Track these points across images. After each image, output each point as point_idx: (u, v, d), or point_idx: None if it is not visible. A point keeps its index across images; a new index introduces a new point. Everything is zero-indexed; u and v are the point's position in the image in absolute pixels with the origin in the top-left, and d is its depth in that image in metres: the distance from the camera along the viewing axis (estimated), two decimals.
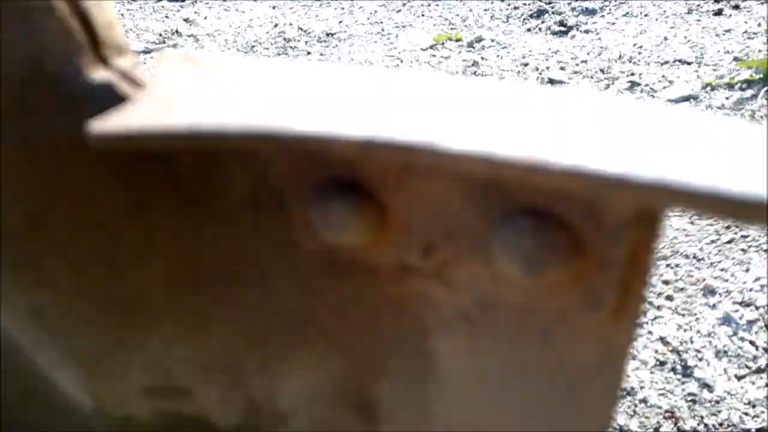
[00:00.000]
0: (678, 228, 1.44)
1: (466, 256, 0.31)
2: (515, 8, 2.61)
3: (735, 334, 1.19)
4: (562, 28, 2.41)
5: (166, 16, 2.79)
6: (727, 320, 1.21)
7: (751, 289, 1.27)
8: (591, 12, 2.48)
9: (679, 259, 1.36)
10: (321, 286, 0.37)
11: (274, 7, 2.83)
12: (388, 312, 0.37)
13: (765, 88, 1.81)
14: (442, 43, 2.39)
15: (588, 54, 2.21)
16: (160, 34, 2.60)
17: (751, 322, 1.20)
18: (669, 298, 1.28)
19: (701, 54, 2.12)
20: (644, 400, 1.09)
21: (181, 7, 2.89)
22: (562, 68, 2.16)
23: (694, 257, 1.37)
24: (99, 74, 0.30)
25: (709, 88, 1.92)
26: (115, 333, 0.40)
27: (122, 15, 2.78)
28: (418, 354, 0.38)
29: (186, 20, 2.74)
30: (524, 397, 0.35)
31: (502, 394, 0.36)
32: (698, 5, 2.44)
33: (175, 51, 0.33)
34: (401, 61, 2.29)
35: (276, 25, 2.66)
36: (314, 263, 0.36)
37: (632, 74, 2.06)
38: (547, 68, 2.16)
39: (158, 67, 0.32)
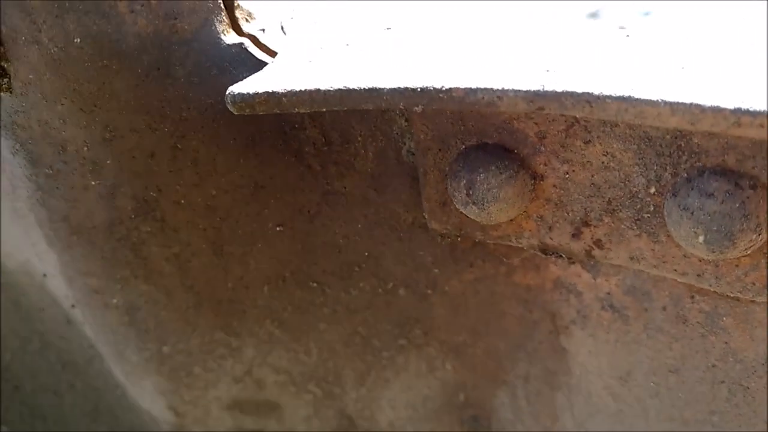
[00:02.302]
0: None
1: (626, 232, 0.28)
2: None
3: None
4: None
5: None
6: None
7: None
8: None
9: None
10: (440, 276, 0.34)
11: None
12: (516, 306, 0.34)
13: None
14: None
15: None
16: None
17: None
18: None
19: None
20: None
21: None
22: None
23: None
24: (232, 38, 0.29)
25: None
26: (209, 336, 0.38)
27: None
28: (549, 355, 0.35)
29: None
30: (676, 400, 0.32)
31: (647, 396, 0.33)
32: None
33: (303, 13, 0.31)
34: None
35: None
36: (437, 249, 0.34)
37: None
38: None
39: (287, 29, 0.30)
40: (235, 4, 0.29)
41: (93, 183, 0.30)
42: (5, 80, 0.27)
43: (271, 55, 0.29)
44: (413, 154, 0.31)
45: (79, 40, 0.25)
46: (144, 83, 0.27)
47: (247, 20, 0.30)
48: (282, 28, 0.31)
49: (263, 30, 0.30)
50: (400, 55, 0.27)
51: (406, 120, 0.30)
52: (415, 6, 0.34)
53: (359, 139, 0.31)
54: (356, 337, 0.38)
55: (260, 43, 0.30)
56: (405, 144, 0.31)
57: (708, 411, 0.31)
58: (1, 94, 0.27)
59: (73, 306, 0.39)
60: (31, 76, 0.26)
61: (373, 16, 0.32)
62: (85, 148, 0.29)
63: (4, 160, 0.32)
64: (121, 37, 0.26)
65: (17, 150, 0.30)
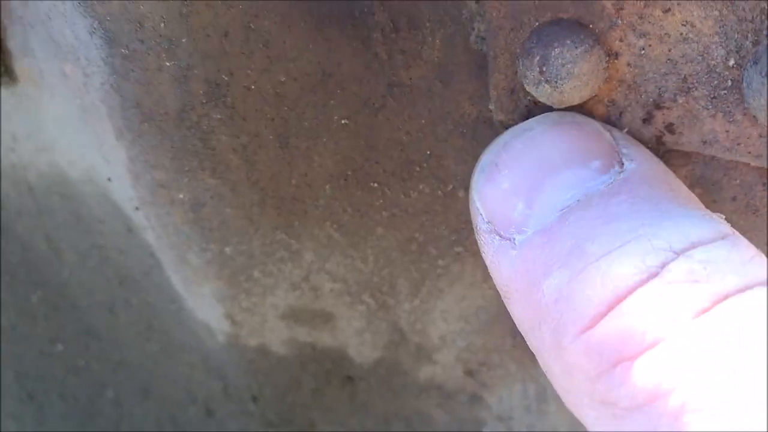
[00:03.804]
0: None
1: (700, 113, 0.28)
2: None
3: None
4: None
5: None
6: None
7: None
8: None
9: None
10: None
11: None
12: None
13: None
14: None
15: None
16: None
17: None
18: None
19: None
20: None
21: None
22: None
23: None
24: None
25: None
26: (270, 236, 0.38)
27: None
28: None
29: None
30: None
31: None
32: None
33: None
34: None
35: None
36: None
37: None
38: None
39: None
40: None
41: (167, 64, 0.31)
42: None
43: None
44: (483, 38, 0.31)
45: None
46: None
47: None
48: None
49: None
50: None
51: (477, 1, 0.30)
52: None
53: (427, 24, 0.31)
54: (413, 244, 0.39)
55: None
56: (474, 29, 0.31)
57: None
58: None
59: (137, 208, 0.40)
60: None
61: None
62: (162, 24, 0.29)
63: (80, 45, 0.32)
64: None
65: (95, 29, 0.30)
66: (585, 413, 0.23)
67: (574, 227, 0.25)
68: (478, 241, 0.28)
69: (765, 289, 0.22)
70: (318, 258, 0.39)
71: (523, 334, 0.27)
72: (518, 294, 0.26)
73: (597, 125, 0.28)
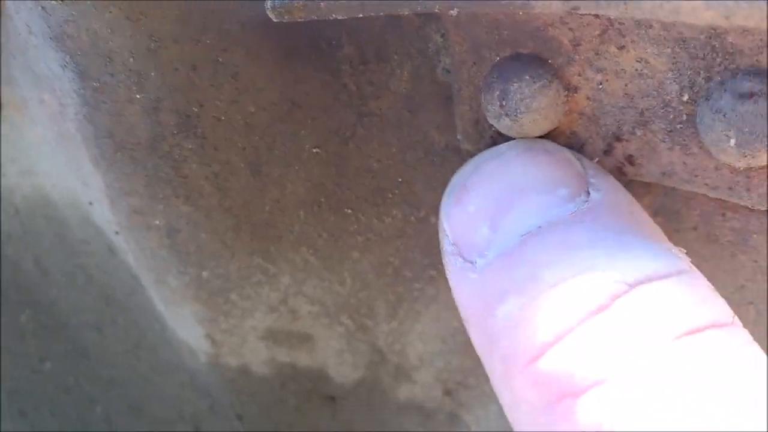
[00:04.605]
0: None
1: (658, 146, 0.28)
2: None
3: None
4: None
5: None
6: None
7: None
8: None
9: None
10: None
11: None
12: None
13: None
14: None
15: None
16: None
17: None
18: None
19: None
20: None
21: None
22: None
23: None
24: None
25: None
26: (246, 261, 0.39)
27: None
28: None
29: None
30: None
31: None
32: None
33: None
34: None
35: None
36: None
37: None
38: None
39: None
40: None
41: (138, 96, 0.31)
42: None
43: None
44: (448, 71, 0.31)
45: None
46: None
47: None
48: None
49: None
50: None
51: (442, 35, 0.30)
52: None
53: (395, 57, 0.31)
54: (388, 267, 0.39)
55: None
56: (440, 62, 0.31)
57: None
58: (54, 2, 0.28)
59: (116, 233, 0.41)
60: None
61: None
62: (131, 59, 0.30)
63: (54, 77, 0.33)
64: None
65: (66, 62, 0.31)
66: None
67: (532, 253, 0.24)
68: (444, 263, 0.29)
69: (716, 331, 0.22)
70: (295, 281, 0.40)
71: (480, 359, 0.27)
72: (474, 318, 0.25)
73: (568, 153, 0.29)
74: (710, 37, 0.25)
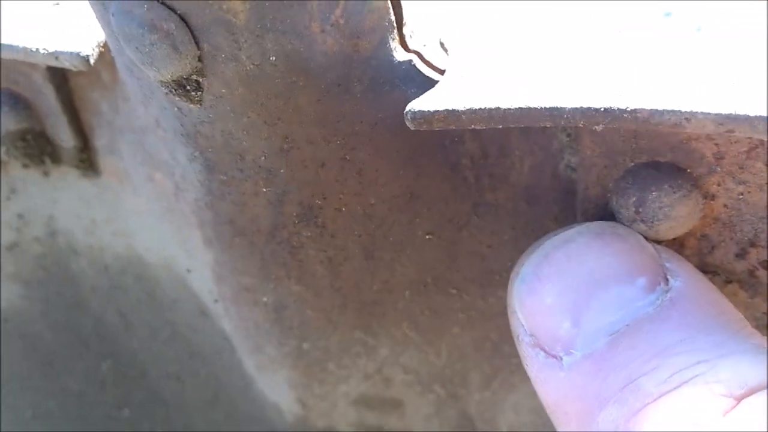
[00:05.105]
0: None
1: None
2: None
3: None
4: None
5: None
6: None
7: None
8: None
9: None
10: None
11: None
12: None
13: None
14: None
15: None
16: None
17: None
18: None
19: None
20: None
21: None
22: None
23: None
24: (402, 54, 0.30)
25: None
26: (348, 335, 0.39)
27: None
28: None
29: None
30: None
31: None
32: None
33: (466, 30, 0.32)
34: None
35: None
36: None
37: None
38: None
39: (446, 45, 0.31)
40: (404, 22, 0.30)
41: (264, 190, 0.32)
42: (198, 93, 0.28)
43: (437, 71, 0.30)
44: (573, 169, 0.31)
45: (274, 57, 0.27)
46: (325, 98, 0.28)
47: (410, 36, 0.31)
48: (441, 44, 0.32)
49: (425, 45, 0.31)
50: (563, 69, 0.28)
51: (568, 135, 0.30)
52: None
53: (516, 152, 0.32)
54: (487, 342, 0.39)
55: (425, 59, 0.31)
56: (564, 159, 0.31)
57: None
58: (191, 106, 0.29)
59: (216, 301, 0.41)
60: (223, 90, 0.28)
61: (526, 31, 0.33)
62: (263, 158, 0.30)
63: (176, 164, 0.34)
64: (311, 55, 0.27)
65: (195, 157, 0.31)
66: None
67: (626, 357, 0.24)
68: (520, 352, 0.28)
69: None
70: (392, 353, 0.40)
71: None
72: (568, 417, 0.25)
73: (639, 238, 0.28)
74: None
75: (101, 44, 0.33)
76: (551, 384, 0.26)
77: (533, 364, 0.27)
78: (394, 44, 0.29)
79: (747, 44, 0.27)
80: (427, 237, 0.35)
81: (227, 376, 0.49)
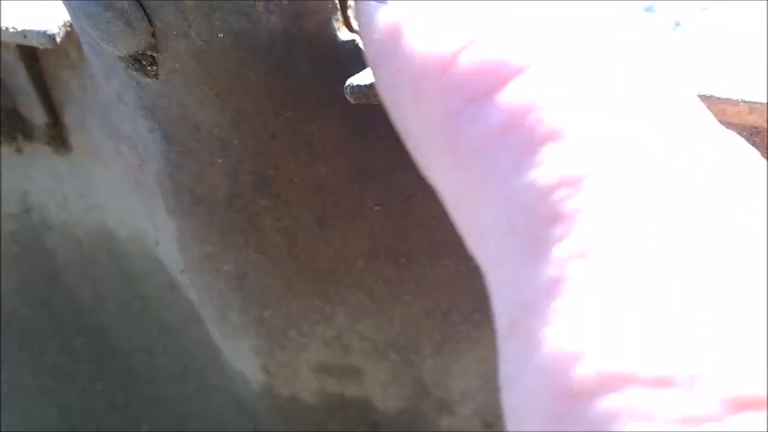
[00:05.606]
0: None
1: None
2: None
3: None
4: None
5: None
6: None
7: None
8: None
9: None
10: None
11: None
12: None
13: None
14: None
15: None
16: None
17: None
18: None
19: None
20: None
21: None
22: None
23: None
24: (346, 35, 0.32)
25: None
26: (306, 302, 0.41)
27: None
28: None
29: None
30: None
31: None
32: None
33: None
34: None
35: None
36: None
37: None
38: None
39: None
40: (348, 4, 0.33)
41: (219, 160, 0.34)
42: (154, 68, 0.31)
43: None
44: None
45: (222, 35, 0.29)
46: (273, 73, 0.31)
47: (354, 18, 0.33)
48: None
49: None
50: None
51: None
52: None
53: None
54: (436, 310, 0.42)
55: None
56: None
57: None
58: (149, 80, 0.31)
59: (182, 271, 0.43)
60: (177, 65, 0.30)
61: None
62: (216, 129, 0.33)
63: (138, 137, 0.36)
64: (257, 32, 0.29)
65: (155, 129, 0.34)
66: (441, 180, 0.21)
67: None
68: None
69: None
70: (349, 320, 0.43)
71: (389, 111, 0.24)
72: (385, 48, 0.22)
73: None
74: None
75: (68, 24, 0.35)
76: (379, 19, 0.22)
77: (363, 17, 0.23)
78: (338, 25, 0.31)
79: (728, 40, 0.29)
80: (375, 208, 0.37)
81: (195, 349, 0.51)
